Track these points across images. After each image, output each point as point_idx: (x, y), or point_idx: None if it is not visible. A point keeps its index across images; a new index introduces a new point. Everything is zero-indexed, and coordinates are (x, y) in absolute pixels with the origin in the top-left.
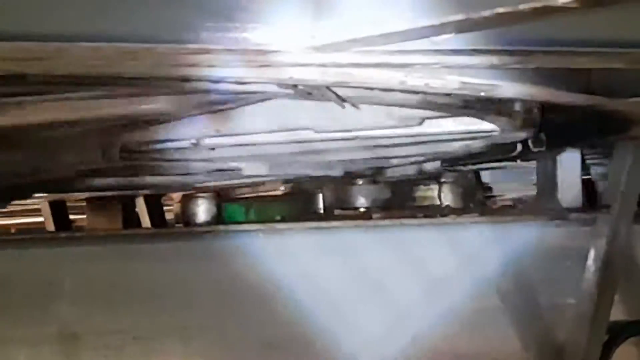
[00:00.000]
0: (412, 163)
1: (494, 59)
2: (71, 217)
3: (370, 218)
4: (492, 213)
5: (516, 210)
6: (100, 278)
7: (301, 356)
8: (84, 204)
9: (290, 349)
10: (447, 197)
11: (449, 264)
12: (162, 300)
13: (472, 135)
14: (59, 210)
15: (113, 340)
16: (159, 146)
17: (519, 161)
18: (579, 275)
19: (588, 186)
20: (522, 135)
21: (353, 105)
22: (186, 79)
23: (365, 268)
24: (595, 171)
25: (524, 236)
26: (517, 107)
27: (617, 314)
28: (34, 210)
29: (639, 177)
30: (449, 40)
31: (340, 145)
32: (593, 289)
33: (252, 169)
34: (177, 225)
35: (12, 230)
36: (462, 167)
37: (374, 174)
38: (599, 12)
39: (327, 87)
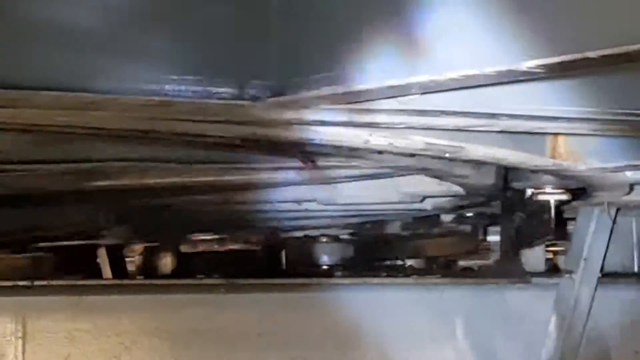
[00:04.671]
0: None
1: (460, 121)
2: None
3: (332, 276)
4: (455, 275)
5: (479, 272)
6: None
7: None
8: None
9: None
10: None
11: (410, 324)
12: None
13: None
14: None
15: None
16: None
17: None
18: (541, 339)
19: None
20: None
21: (320, 164)
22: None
23: (325, 325)
24: None
25: (485, 299)
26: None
27: None
28: None
29: (602, 244)
30: (414, 101)
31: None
32: (554, 354)
33: None
34: (138, 277)
35: None
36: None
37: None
38: (566, 79)
39: (292, 144)
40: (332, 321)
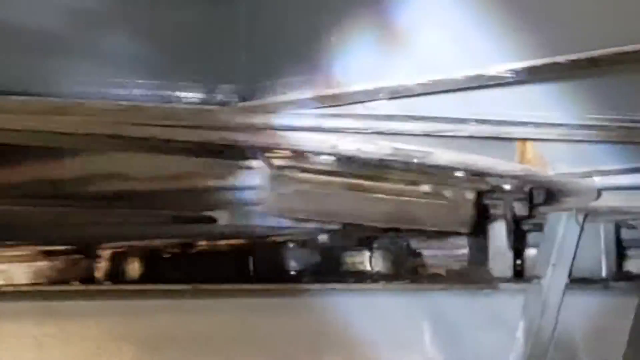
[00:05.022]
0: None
1: (428, 126)
2: None
3: (299, 282)
4: (423, 281)
5: (446, 278)
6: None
7: None
8: None
9: None
10: (378, 264)
11: (379, 330)
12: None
13: None
14: None
15: None
16: None
17: None
18: (509, 345)
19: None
20: None
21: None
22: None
23: (294, 331)
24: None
25: (453, 305)
26: None
27: None
28: None
29: (570, 250)
30: (382, 106)
31: None
32: None
33: None
34: (105, 282)
35: None
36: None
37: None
38: (534, 84)
39: (259, 149)
40: (301, 327)
